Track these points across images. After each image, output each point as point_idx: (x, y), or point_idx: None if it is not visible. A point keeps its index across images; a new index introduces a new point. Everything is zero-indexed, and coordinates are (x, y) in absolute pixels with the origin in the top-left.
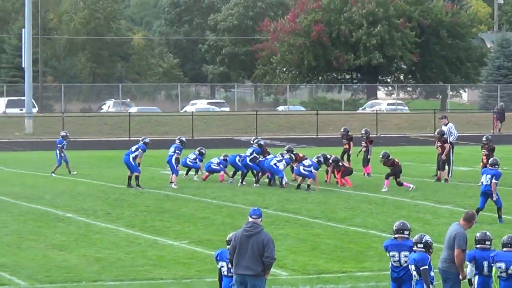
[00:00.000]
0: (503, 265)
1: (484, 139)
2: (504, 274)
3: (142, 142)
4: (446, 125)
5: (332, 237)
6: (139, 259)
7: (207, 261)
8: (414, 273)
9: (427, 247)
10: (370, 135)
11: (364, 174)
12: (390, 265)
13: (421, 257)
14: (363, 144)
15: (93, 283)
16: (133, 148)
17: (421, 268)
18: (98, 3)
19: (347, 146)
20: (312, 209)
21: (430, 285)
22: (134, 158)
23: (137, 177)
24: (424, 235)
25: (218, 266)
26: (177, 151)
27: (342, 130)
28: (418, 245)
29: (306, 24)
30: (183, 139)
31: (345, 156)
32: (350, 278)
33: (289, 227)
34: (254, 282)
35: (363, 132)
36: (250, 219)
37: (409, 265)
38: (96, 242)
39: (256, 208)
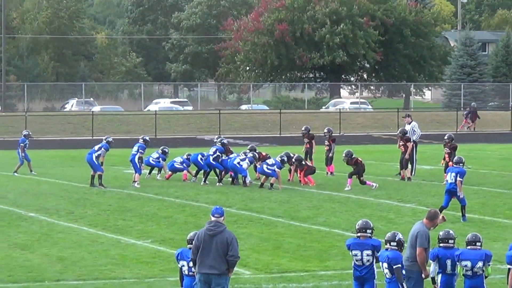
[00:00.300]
0: (468, 263)
1: (446, 137)
2: (469, 273)
3: (105, 141)
4: (409, 123)
5: (295, 236)
6: (102, 258)
7: (170, 260)
8: (386, 271)
9: (400, 245)
10: (333, 134)
11: (327, 173)
12: (352, 264)
13: (395, 255)
14: (326, 143)
15: (55, 283)
16: (96, 147)
17: (394, 267)
18: (62, 3)
19: (308, 145)
20: (275, 208)
21: (404, 283)
22: (97, 157)
23: (100, 176)
24: (397, 233)
25: (179, 266)
26: (140, 150)
27: (303, 129)
28: (391, 243)
29: (270, 23)
30: (147, 138)
31: (307, 156)
32: (313, 277)
33: (252, 226)
34: (219, 280)
35: (325, 131)
36: (213, 218)
37: (381, 263)
38: (59, 242)
39: (218, 207)
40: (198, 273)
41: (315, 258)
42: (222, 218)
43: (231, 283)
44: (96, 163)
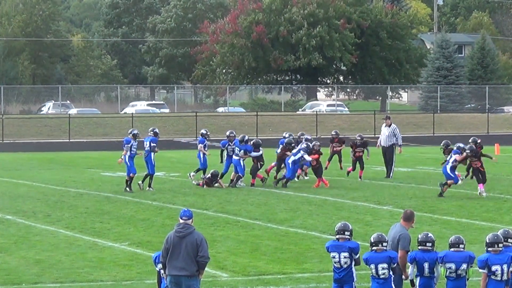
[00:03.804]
0: (453, 265)
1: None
2: (453, 275)
3: (130, 136)
4: (389, 126)
5: (272, 239)
6: (79, 261)
7: (147, 263)
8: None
9: (434, 244)
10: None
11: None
12: (332, 266)
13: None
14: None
15: (33, 285)
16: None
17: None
18: (38, 5)
19: (336, 149)
20: (252, 211)
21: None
22: (130, 158)
23: (131, 179)
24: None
25: (157, 269)
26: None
27: (333, 133)
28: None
29: (246, 25)
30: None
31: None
32: (290, 279)
33: (229, 228)
34: (189, 282)
35: (358, 138)
36: (181, 220)
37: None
38: (36, 244)
39: (186, 209)
40: (168, 276)
41: (292, 261)
42: (191, 220)
43: (208, 286)
44: (128, 164)
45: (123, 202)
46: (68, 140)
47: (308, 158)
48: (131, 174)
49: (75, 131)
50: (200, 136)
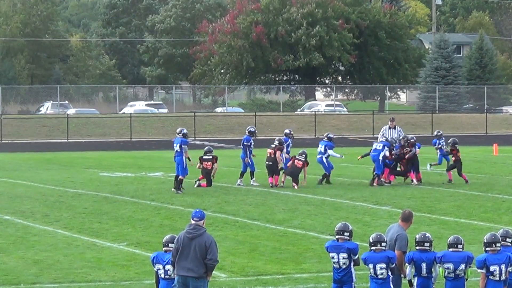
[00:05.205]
0: (451, 265)
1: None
2: (451, 275)
3: (181, 136)
4: (394, 128)
5: (271, 239)
6: (78, 261)
7: (145, 263)
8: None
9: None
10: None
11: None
12: (332, 266)
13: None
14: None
15: (31, 286)
16: (177, 147)
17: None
18: (37, 6)
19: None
20: (250, 211)
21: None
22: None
23: (181, 181)
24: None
25: (155, 269)
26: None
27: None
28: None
29: (246, 26)
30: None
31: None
32: (289, 279)
33: (227, 228)
34: (196, 284)
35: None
36: (193, 221)
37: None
38: (34, 245)
39: (198, 210)
40: (177, 275)
41: (290, 261)
42: (202, 221)
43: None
44: (184, 165)
45: (122, 202)
46: (66, 140)
47: (387, 153)
48: (180, 176)
49: (73, 131)
50: (285, 136)
